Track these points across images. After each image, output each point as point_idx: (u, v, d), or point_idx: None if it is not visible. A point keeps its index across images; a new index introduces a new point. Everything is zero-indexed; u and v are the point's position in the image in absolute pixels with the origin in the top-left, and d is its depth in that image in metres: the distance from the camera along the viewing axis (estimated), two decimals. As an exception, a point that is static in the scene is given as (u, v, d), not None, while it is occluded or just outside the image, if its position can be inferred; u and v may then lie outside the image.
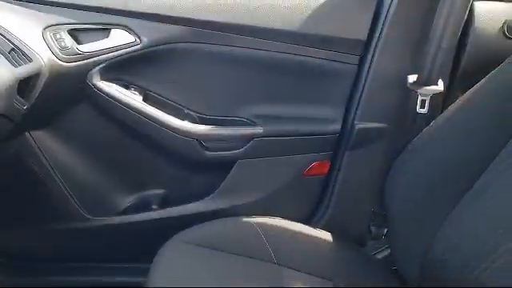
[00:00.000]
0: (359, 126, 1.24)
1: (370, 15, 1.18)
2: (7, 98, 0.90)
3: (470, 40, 1.19)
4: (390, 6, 1.15)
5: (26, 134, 1.15)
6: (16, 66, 0.94)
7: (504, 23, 1.19)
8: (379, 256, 1.31)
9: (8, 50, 0.96)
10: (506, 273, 0.76)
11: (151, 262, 1.02)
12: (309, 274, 1.07)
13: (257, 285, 1.00)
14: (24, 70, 0.96)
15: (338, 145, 1.29)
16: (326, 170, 1.32)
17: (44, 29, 1.06)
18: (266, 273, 1.05)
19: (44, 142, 1.18)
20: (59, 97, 1.11)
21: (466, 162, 0.99)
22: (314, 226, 1.27)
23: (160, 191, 1.34)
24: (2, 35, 0.97)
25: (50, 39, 1.06)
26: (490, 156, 0.97)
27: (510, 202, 0.87)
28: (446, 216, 0.99)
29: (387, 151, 1.23)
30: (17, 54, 0.97)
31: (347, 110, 1.26)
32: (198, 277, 1.00)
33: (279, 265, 1.06)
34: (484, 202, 0.93)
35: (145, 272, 1.02)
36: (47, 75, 1.03)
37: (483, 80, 1.01)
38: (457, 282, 0.85)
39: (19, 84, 0.94)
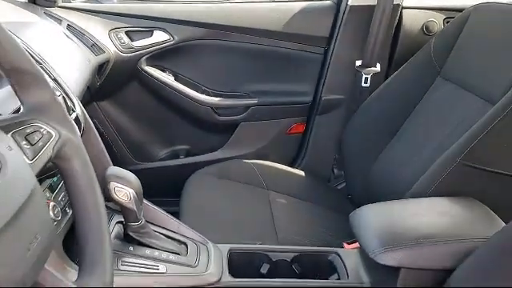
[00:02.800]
0: (325, 97, 1.67)
1: (331, 19, 1.61)
2: (92, 76, 1.35)
3: (401, 36, 1.62)
4: (344, 13, 1.58)
5: (94, 103, 1.60)
6: (96, 55, 1.40)
7: (423, 24, 1.61)
8: (338, 187, 1.74)
9: (90, 44, 1.41)
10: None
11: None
12: (288, 195, 1.47)
13: (253, 202, 1.41)
14: (100, 58, 1.41)
15: (310, 111, 1.72)
16: (302, 129, 1.75)
17: (109, 31, 1.52)
18: (259, 194, 1.45)
19: (106, 108, 1.63)
20: (119, 76, 1.56)
21: (394, 116, 1.40)
22: (296, 167, 1.71)
23: (185, 146, 1.78)
24: (86, 35, 1.43)
25: (114, 38, 1.52)
26: (409, 110, 1.39)
27: (418, 141, 1.28)
28: (380, 153, 1.41)
29: (344, 114, 1.66)
30: (95, 47, 1.42)
31: (316, 87, 1.69)
32: (214, 195, 1.41)
33: (268, 189, 1.47)
34: (403, 142, 1.36)
35: (177, 203, 1.38)
36: (113, 62, 1.49)
37: (405, 64, 1.44)
38: (387, 197, 1.12)
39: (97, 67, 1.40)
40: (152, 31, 1.57)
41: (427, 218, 0.93)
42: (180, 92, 1.63)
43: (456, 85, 1.28)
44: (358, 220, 0.95)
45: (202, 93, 1.67)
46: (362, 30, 1.57)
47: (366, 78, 1.58)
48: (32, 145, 0.51)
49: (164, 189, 1.52)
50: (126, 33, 1.54)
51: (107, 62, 1.46)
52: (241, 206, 1.38)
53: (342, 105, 1.68)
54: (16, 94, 0.55)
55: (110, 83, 1.53)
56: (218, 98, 1.67)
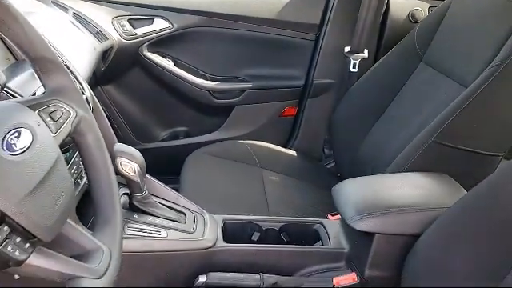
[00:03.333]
0: (316, 81, 1.77)
1: (321, 7, 1.70)
2: (97, 61, 1.44)
3: (388, 24, 1.71)
4: (334, 2, 1.68)
5: (99, 87, 1.70)
6: (100, 42, 1.49)
7: (409, 12, 1.70)
8: (328, 166, 1.83)
9: (95, 32, 1.50)
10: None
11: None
12: (280, 173, 1.57)
13: (247, 178, 1.51)
14: (104, 44, 1.51)
15: (302, 95, 1.82)
16: (294, 112, 1.85)
17: (113, 19, 1.61)
18: (253, 172, 1.54)
19: (110, 92, 1.73)
20: (122, 62, 1.65)
21: (380, 99, 1.48)
22: (289, 148, 1.80)
23: (184, 128, 1.88)
24: (91, 23, 1.51)
25: (117, 26, 1.60)
26: (394, 93, 1.47)
27: (400, 122, 1.36)
28: (367, 134, 1.51)
29: (334, 98, 1.76)
30: (100, 34, 1.51)
31: (307, 71, 1.78)
32: (211, 173, 1.51)
33: (261, 168, 1.56)
34: (387, 123, 1.45)
35: (177, 181, 1.46)
36: (116, 48, 1.58)
37: (391, 50, 1.53)
38: (371, 174, 1.25)
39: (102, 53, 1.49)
40: (153, 19, 1.66)
41: (400, 190, 1.03)
42: (179, 77, 1.73)
43: (436, 70, 1.37)
44: (339, 192, 1.05)
45: (199, 77, 1.76)
46: (351, 18, 1.66)
47: (355, 64, 1.67)
48: (55, 121, 0.60)
49: (165, 168, 1.58)
50: (129, 21, 1.63)
51: (111, 48, 1.55)
52: (235, 183, 1.48)
53: (332, 88, 1.77)
54: (39, 79, 0.65)
55: (114, 68, 1.62)
56: (214, 83, 1.77)
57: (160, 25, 1.66)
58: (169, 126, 1.87)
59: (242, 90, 1.77)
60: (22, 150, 0.50)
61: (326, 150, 1.86)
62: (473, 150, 1.14)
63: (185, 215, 1.06)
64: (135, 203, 1.00)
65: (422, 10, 1.69)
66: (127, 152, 0.94)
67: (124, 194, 1.03)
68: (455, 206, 0.87)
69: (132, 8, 1.64)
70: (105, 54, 1.52)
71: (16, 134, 0.50)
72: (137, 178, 0.95)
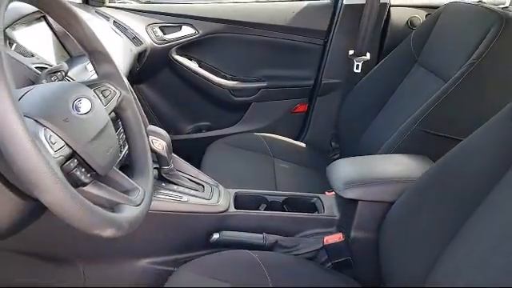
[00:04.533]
0: (324, 81, 1.96)
1: (329, 16, 1.90)
2: (133, 62, 1.66)
3: (389, 29, 1.89)
4: (340, 10, 1.87)
5: (134, 86, 1.92)
6: (136, 46, 1.71)
7: (408, 19, 1.87)
8: (334, 157, 1.98)
9: (131, 37, 1.73)
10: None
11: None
12: (290, 162, 1.74)
13: (260, 165, 1.69)
14: (139, 48, 1.73)
15: (311, 93, 2.01)
16: (305, 108, 2.04)
17: (146, 26, 1.85)
18: (266, 160, 1.72)
19: (143, 90, 1.96)
20: (154, 63, 1.88)
21: (379, 96, 1.64)
22: (300, 141, 1.99)
23: (207, 122, 2.10)
24: (128, 29, 1.74)
25: (150, 32, 1.84)
26: (392, 91, 1.63)
27: (394, 116, 1.55)
28: (368, 127, 1.67)
29: (340, 95, 1.94)
30: (136, 39, 1.74)
31: (316, 72, 1.97)
32: (228, 160, 1.69)
33: (273, 157, 1.74)
34: (384, 117, 1.62)
35: (199, 167, 1.57)
36: (149, 51, 1.80)
37: (390, 53, 1.70)
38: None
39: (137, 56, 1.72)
40: (181, 26, 1.89)
41: (381, 166, 1.21)
42: (203, 77, 1.95)
43: (427, 69, 1.54)
44: (332, 169, 1.23)
45: (221, 77, 1.98)
46: (355, 25, 1.83)
47: (358, 65, 1.85)
48: (105, 97, 0.81)
49: (189, 157, 1.80)
50: (160, 28, 1.87)
51: (144, 51, 1.78)
52: (249, 167, 1.66)
53: (339, 88, 1.96)
54: (93, 66, 0.86)
55: (147, 69, 1.85)
56: (234, 82, 1.99)
57: (187, 31, 1.89)
58: (193, 121, 2.09)
59: (258, 89, 1.98)
60: (85, 112, 0.71)
61: (332, 143, 2.03)
62: (450, 136, 1.30)
63: (203, 187, 1.27)
64: (163, 175, 1.21)
65: (420, 17, 1.86)
66: (157, 132, 1.15)
67: (155, 168, 1.24)
68: (422, 177, 1.04)
69: (163, 17, 1.88)
70: (139, 56, 1.75)
71: (81, 101, 0.72)
72: (165, 154, 1.16)
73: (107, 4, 1.82)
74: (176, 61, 1.91)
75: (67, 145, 0.64)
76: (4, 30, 0.56)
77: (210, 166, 1.64)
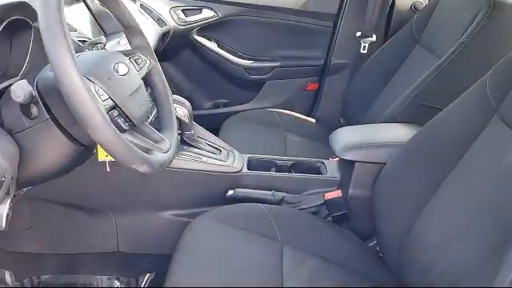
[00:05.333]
0: (333, 61, 2.09)
1: (338, 1, 2.02)
2: (158, 42, 1.81)
3: (394, 13, 2.00)
4: (348, -4, 1.99)
5: (158, 64, 2.08)
6: (161, 27, 1.87)
7: (412, 4, 1.98)
8: None
9: (156, 19, 1.88)
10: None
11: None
12: (300, 135, 1.88)
13: (272, 137, 1.83)
14: (163, 29, 1.88)
15: (322, 72, 2.14)
16: (315, 87, 2.18)
17: (170, 9, 2.00)
18: (278, 134, 1.85)
19: (166, 68, 2.11)
20: (176, 43, 2.04)
21: (384, 75, 1.75)
22: (311, 117, 2.13)
23: (224, 100, 2.25)
24: (153, 12, 1.90)
25: (173, 14, 1.99)
26: (395, 70, 1.76)
27: (395, 90, 1.68)
28: (373, 103, 1.80)
29: (348, 74, 2.07)
30: (160, 21, 1.89)
31: (326, 53, 2.10)
32: (243, 132, 1.83)
33: (285, 131, 1.87)
34: (387, 92, 1.74)
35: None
36: (172, 32, 1.96)
37: (394, 35, 1.82)
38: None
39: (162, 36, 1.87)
40: (201, 9, 2.04)
41: (377, 133, 1.35)
42: (221, 56, 2.10)
43: (426, 50, 1.66)
44: (334, 136, 1.37)
45: (237, 57, 2.13)
46: (362, 8, 1.96)
47: (364, 46, 1.98)
48: (138, 64, 0.97)
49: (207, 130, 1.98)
50: (182, 10, 2.03)
51: (168, 32, 1.93)
52: (262, 140, 1.80)
53: (347, 67, 2.08)
54: (128, 39, 1.02)
55: (170, 49, 2.00)
56: (249, 61, 2.13)
57: (207, 14, 2.05)
58: (212, 98, 2.25)
59: (272, 68, 2.12)
60: (123, 74, 0.87)
61: (341, 120, 2.14)
62: (442, 108, 1.42)
63: (220, 151, 1.42)
64: (185, 139, 1.37)
65: (423, 2, 1.97)
66: (180, 100, 1.31)
67: (178, 134, 1.40)
68: (409, 141, 1.17)
69: (185, 0, 2.03)
70: (163, 36, 1.90)
71: (119, 65, 0.87)
72: (186, 119, 1.32)
73: (133, -12, 1.97)
74: (197, 41, 2.07)
75: (110, 98, 0.80)
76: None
77: (226, 137, 1.78)
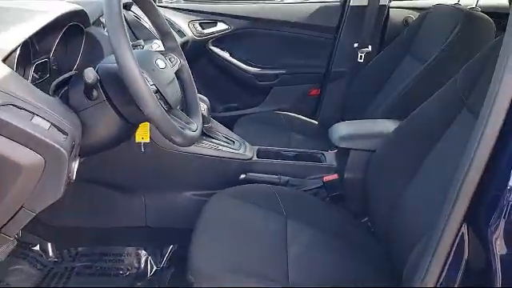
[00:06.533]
0: (333, 69, 2.30)
1: (338, 15, 2.25)
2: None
3: (388, 26, 2.22)
4: (347, 10, 2.21)
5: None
6: (180, 38, 2.09)
7: (404, 19, 2.21)
8: None
9: (177, 30, 2.11)
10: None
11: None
12: (303, 135, 2.08)
13: (278, 136, 2.04)
14: (183, 39, 2.11)
15: (323, 79, 2.36)
16: (318, 92, 2.39)
17: (188, 22, 2.23)
18: (283, 133, 2.05)
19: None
20: (194, 53, 2.25)
21: (378, 81, 1.97)
22: (314, 119, 2.33)
23: (235, 104, 2.47)
24: (174, 24, 2.13)
25: (191, 27, 2.23)
26: (388, 77, 1.99)
27: (388, 94, 1.89)
28: (368, 107, 2.02)
29: (347, 82, 2.28)
30: (180, 32, 2.12)
31: (327, 62, 2.32)
32: (251, 131, 2.02)
33: (290, 131, 2.08)
34: (381, 96, 1.97)
35: None
36: (190, 43, 2.19)
37: (387, 46, 2.03)
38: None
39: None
40: (216, 22, 2.28)
41: (367, 126, 1.55)
42: (233, 64, 2.33)
43: (414, 58, 1.87)
44: (332, 128, 1.58)
45: (247, 65, 2.36)
46: (360, 22, 2.18)
47: (361, 56, 2.19)
48: (171, 62, 1.19)
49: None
50: (200, 23, 2.27)
51: (187, 42, 2.16)
52: (268, 137, 1.98)
53: (345, 75, 2.30)
54: (162, 42, 1.24)
55: (188, 57, 2.18)
56: (258, 69, 2.36)
57: (221, 27, 2.28)
58: (224, 102, 2.47)
59: (278, 75, 2.35)
60: (162, 67, 1.09)
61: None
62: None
63: (233, 142, 1.63)
64: (204, 130, 1.58)
65: (413, 16, 2.19)
66: (200, 97, 1.53)
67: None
68: (393, 132, 1.38)
69: (202, 15, 2.28)
70: (182, 46, 2.12)
71: (159, 61, 1.09)
72: (205, 113, 1.53)
73: (157, 4, 2.20)
74: (211, 51, 2.30)
75: (154, 84, 1.02)
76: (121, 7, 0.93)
77: (236, 133, 2.00)
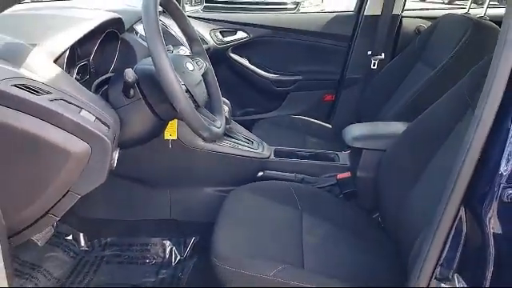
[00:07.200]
0: (347, 76, 2.40)
1: (353, 23, 2.35)
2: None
3: (401, 35, 2.32)
4: (361, 19, 2.31)
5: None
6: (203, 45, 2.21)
7: (416, 28, 2.30)
8: None
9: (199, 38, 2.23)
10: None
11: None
12: (318, 138, 2.17)
13: (294, 137, 2.14)
14: (204, 47, 2.20)
15: (338, 85, 2.45)
16: (332, 98, 2.49)
17: (210, 30, 2.36)
18: (298, 136, 2.14)
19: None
20: (215, 59, 2.34)
21: (391, 87, 2.06)
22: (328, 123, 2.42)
23: (253, 108, 2.58)
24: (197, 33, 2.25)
25: (212, 35, 2.35)
26: (400, 82, 2.08)
27: (400, 99, 1.98)
28: (380, 111, 2.11)
29: (360, 88, 2.37)
30: (202, 40, 2.23)
31: (342, 69, 2.42)
32: (268, 133, 2.14)
33: (305, 134, 2.17)
34: (393, 101, 2.06)
35: None
36: (211, 50, 2.30)
37: (400, 53, 2.13)
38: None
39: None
40: (236, 31, 2.40)
41: (380, 127, 1.64)
42: (252, 71, 2.44)
43: (425, 64, 1.96)
44: (346, 130, 1.67)
45: (265, 71, 2.46)
46: (373, 31, 2.28)
47: (375, 63, 2.29)
48: (198, 65, 1.30)
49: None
50: (220, 32, 2.38)
51: (208, 49, 2.27)
52: (285, 140, 2.06)
53: (359, 82, 2.39)
54: (189, 47, 1.36)
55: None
56: (275, 75, 2.46)
57: (241, 35, 2.40)
58: (243, 106, 2.58)
59: (295, 81, 2.45)
60: (191, 70, 1.20)
61: (354, 126, 2.45)
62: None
63: (252, 142, 1.73)
64: (225, 131, 1.69)
65: (425, 25, 2.27)
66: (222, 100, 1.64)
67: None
68: (403, 133, 1.46)
69: (223, 24, 2.40)
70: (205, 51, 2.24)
71: (188, 64, 1.20)
72: (227, 115, 1.64)
73: (181, 14, 2.33)
74: (232, 58, 2.42)
75: (184, 84, 1.13)
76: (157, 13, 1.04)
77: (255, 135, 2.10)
